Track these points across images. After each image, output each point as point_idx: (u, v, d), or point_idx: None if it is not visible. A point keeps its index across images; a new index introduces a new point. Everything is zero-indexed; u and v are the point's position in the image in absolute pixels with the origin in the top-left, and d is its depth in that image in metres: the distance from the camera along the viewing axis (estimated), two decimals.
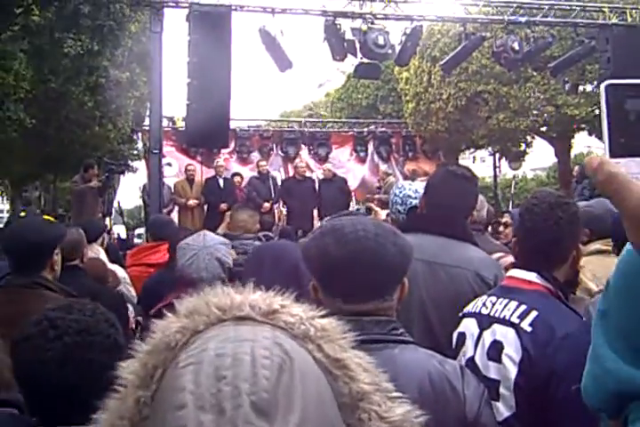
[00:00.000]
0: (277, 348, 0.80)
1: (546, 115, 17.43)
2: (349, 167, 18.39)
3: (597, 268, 3.71)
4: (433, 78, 18.22)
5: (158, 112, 11.94)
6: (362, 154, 18.85)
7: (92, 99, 13.95)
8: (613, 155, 1.08)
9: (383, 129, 19.70)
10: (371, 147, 19.01)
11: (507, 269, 2.69)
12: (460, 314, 2.54)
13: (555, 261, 2.41)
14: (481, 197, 4.16)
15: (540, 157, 34.36)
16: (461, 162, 22.92)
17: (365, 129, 19.61)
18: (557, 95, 17.16)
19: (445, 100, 17.98)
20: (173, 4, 11.66)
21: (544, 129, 18.78)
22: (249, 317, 0.86)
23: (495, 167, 22.25)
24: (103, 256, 5.87)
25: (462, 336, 2.46)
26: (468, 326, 2.43)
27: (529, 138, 20.36)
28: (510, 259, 3.02)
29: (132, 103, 15.76)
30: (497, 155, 21.87)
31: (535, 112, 17.63)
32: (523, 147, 21.10)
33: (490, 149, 21.38)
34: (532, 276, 2.36)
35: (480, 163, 31.41)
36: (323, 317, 0.93)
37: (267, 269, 4.43)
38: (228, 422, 0.70)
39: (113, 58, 12.48)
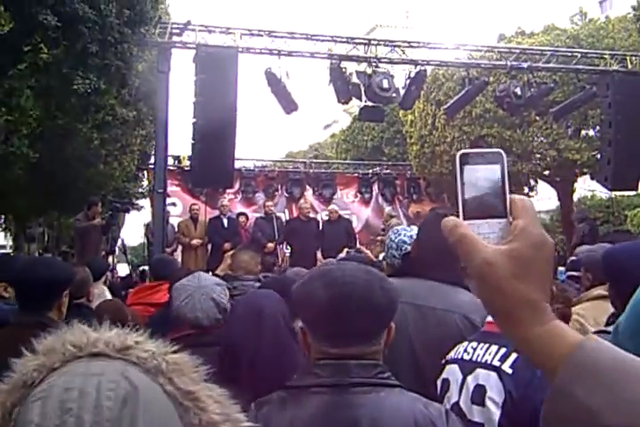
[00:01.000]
0: (124, 381, 0.85)
1: (548, 159, 17.50)
2: (354, 209, 18.45)
3: (598, 313, 3.71)
4: (437, 121, 18.37)
5: (163, 151, 12.05)
6: (366, 195, 18.93)
7: (98, 137, 14.06)
8: (466, 217, 1.10)
9: (388, 171, 19.83)
10: (375, 189, 19.09)
11: None
12: (443, 361, 2.56)
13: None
14: None
15: (543, 200, 34.45)
16: None
17: (370, 171, 19.73)
18: (560, 139, 17.27)
19: (450, 143, 18.10)
20: (181, 46, 11.86)
21: (547, 173, 18.85)
22: (103, 353, 0.91)
23: None
24: (108, 295, 5.89)
25: (446, 382, 2.48)
26: (452, 372, 2.46)
27: (532, 182, 20.41)
28: None
29: (137, 142, 15.86)
30: None
31: (538, 156, 17.72)
32: (526, 190, 21.14)
33: None
34: None
35: None
36: (175, 352, 0.98)
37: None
38: None
39: (120, 96, 12.60)
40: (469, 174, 0.95)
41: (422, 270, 3.00)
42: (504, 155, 0.96)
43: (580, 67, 14.10)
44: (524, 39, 18.14)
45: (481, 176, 0.95)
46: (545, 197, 33.13)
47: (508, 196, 0.95)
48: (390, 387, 1.91)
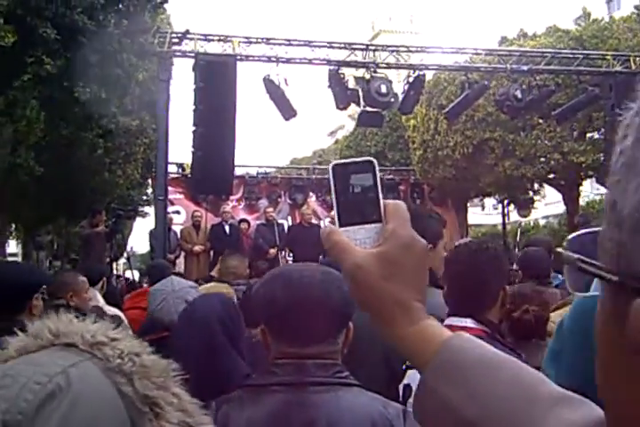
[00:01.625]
0: (61, 376, 0.86)
1: (553, 162, 17.43)
2: None
3: None
4: (440, 126, 18.35)
5: (164, 159, 12.12)
6: None
7: (102, 145, 14.16)
8: (342, 224, 1.13)
9: (391, 176, 19.80)
10: None
11: None
12: (404, 366, 2.55)
13: (484, 303, 2.45)
14: None
15: (552, 204, 34.28)
16: (470, 209, 22.97)
17: None
18: (564, 142, 17.20)
19: (452, 147, 18.08)
20: (180, 54, 11.96)
21: (551, 176, 18.80)
22: (74, 344, 0.93)
23: (503, 215, 22.20)
24: (99, 299, 5.96)
25: (408, 388, 2.49)
26: (413, 378, 2.45)
27: (536, 185, 20.35)
28: None
29: (141, 150, 15.97)
30: (505, 202, 21.84)
31: (542, 159, 17.65)
32: (530, 194, 21.09)
33: (497, 196, 21.38)
34: (467, 322, 2.40)
35: (492, 210, 31.35)
36: (150, 354, 0.98)
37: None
38: None
39: (122, 105, 12.70)
40: (343, 184, 0.99)
41: None
42: (375, 163, 1.00)
43: (582, 68, 14.06)
44: (526, 41, 18.12)
45: (354, 184, 0.99)
46: (553, 202, 32.99)
47: (381, 201, 0.98)
48: (348, 386, 1.93)
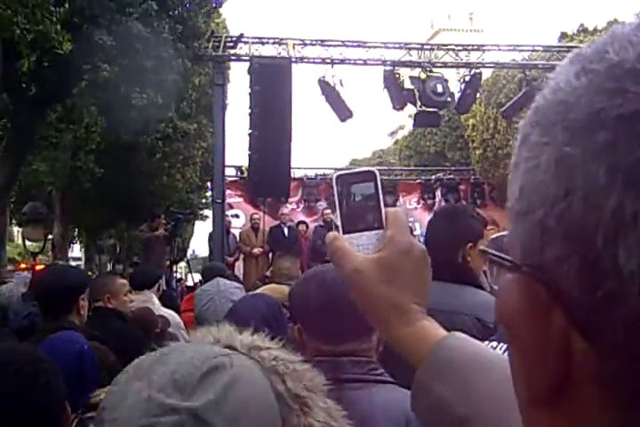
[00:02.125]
0: (226, 357, 0.94)
1: None
2: (416, 215, 18.28)
3: None
4: (499, 125, 18.13)
5: (221, 163, 12.20)
6: (429, 202, 18.71)
7: (160, 150, 14.38)
8: (345, 231, 1.12)
9: (451, 176, 19.61)
10: (438, 194, 18.85)
11: None
12: None
13: None
14: None
15: None
16: None
17: (433, 176, 19.55)
18: None
19: (513, 146, 17.76)
20: (235, 58, 12.03)
21: None
22: (233, 346, 1.00)
23: None
24: (156, 301, 6.02)
25: None
26: None
27: None
28: None
29: (199, 154, 16.15)
30: None
31: None
32: None
33: None
34: None
35: None
36: (303, 363, 1.05)
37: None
38: (148, 388, 0.87)
39: (179, 110, 12.87)
40: (346, 193, 1.04)
41: (432, 272, 2.93)
42: (377, 173, 1.05)
43: None
44: (586, 36, 17.78)
45: (356, 193, 1.04)
46: None
47: (382, 209, 1.02)
48: (383, 383, 1.95)
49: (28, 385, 1.79)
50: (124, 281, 4.59)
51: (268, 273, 6.28)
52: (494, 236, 3.57)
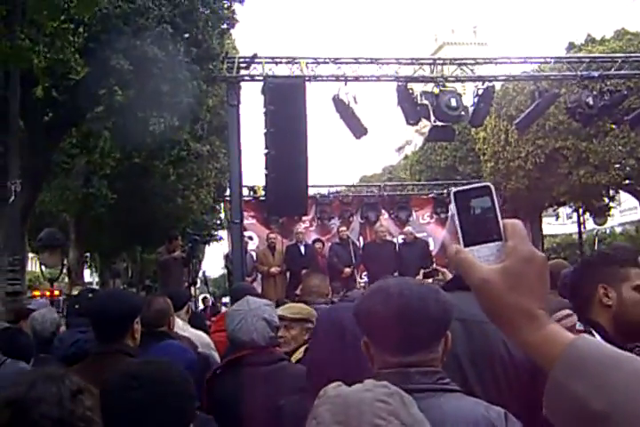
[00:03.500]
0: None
1: (628, 168, 17.04)
2: (429, 231, 18.21)
3: None
4: (510, 137, 18.16)
5: (238, 183, 12.21)
6: (442, 216, 18.64)
7: (174, 172, 14.40)
8: (467, 244, 1.13)
9: None
10: (451, 208, 18.78)
11: (570, 329, 2.67)
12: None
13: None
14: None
15: (627, 211, 33.51)
16: (545, 219, 22.58)
17: (445, 191, 19.52)
18: (638, 148, 16.82)
19: (524, 157, 17.85)
20: (248, 78, 12.07)
21: (626, 182, 18.37)
22: None
23: (579, 223, 21.76)
24: (178, 321, 5.99)
25: None
26: None
27: (612, 192, 19.92)
28: (576, 318, 2.99)
29: (212, 175, 16.17)
30: (580, 211, 21.42)
31: (617, 166, 17.26)
32: (606, 201, 20.63)
33: (572, 204, 21.00)
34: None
35: (566, 219, 30.79)
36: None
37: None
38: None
39: (193, 131, 12.89)
40: (464, 208, 1.12)
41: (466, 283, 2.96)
42: (492, 187, 1.13)
43: None
44: (594, 46, 17.84)
45: (474, 208, 1.12)
46: (629, 208, 32.25)
47: (500, 221, 1.10)
48: (451, 392, 2.01)
49: (180, 395, 2.10)
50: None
51: (297, 291, 6.27)
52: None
